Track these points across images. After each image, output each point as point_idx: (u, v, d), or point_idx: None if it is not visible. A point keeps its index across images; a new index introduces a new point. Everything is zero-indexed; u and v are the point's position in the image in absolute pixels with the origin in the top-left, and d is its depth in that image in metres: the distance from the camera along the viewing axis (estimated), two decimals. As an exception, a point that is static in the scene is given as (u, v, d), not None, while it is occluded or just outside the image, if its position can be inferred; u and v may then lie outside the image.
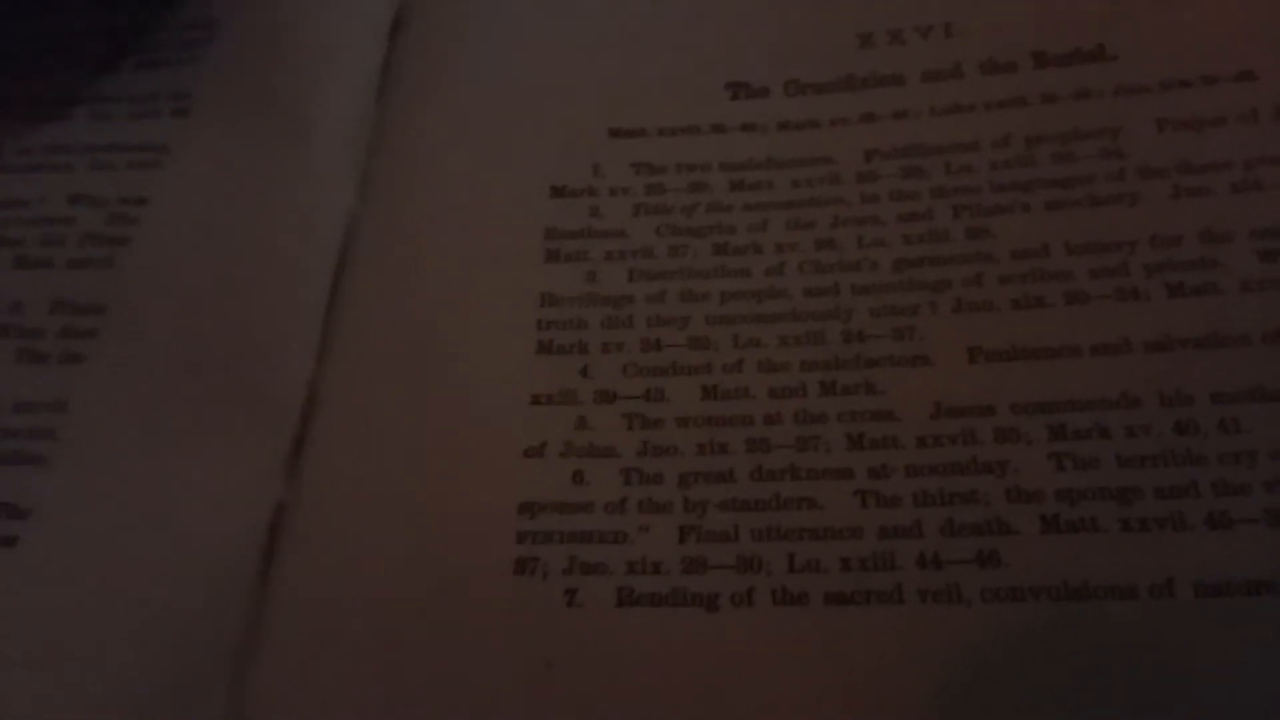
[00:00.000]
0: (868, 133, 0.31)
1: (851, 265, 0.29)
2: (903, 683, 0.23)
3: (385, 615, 0.25)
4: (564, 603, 0.25)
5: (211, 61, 0.36)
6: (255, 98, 0.35)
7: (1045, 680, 0.23)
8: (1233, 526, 0.23)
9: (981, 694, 0.23)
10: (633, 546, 0.25)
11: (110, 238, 0.32)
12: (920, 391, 0.27)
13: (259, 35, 0.36)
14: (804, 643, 0.24)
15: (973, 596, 0.24)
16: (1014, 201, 0.29)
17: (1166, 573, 0.23)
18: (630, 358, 0.28)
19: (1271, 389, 0.25)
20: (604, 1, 0.36)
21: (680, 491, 0.26)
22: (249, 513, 0.27)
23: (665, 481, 0.26)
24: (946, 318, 0.28)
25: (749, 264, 0.29)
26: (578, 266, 0.30)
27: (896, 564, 0.24)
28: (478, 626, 0.25)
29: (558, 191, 0.32)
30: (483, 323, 0.30)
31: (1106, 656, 0.23)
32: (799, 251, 0.29)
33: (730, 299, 0.29)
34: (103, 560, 0.27)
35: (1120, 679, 0.22)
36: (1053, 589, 0.23)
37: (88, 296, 0.31)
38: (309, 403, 0.29)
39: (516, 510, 0.26)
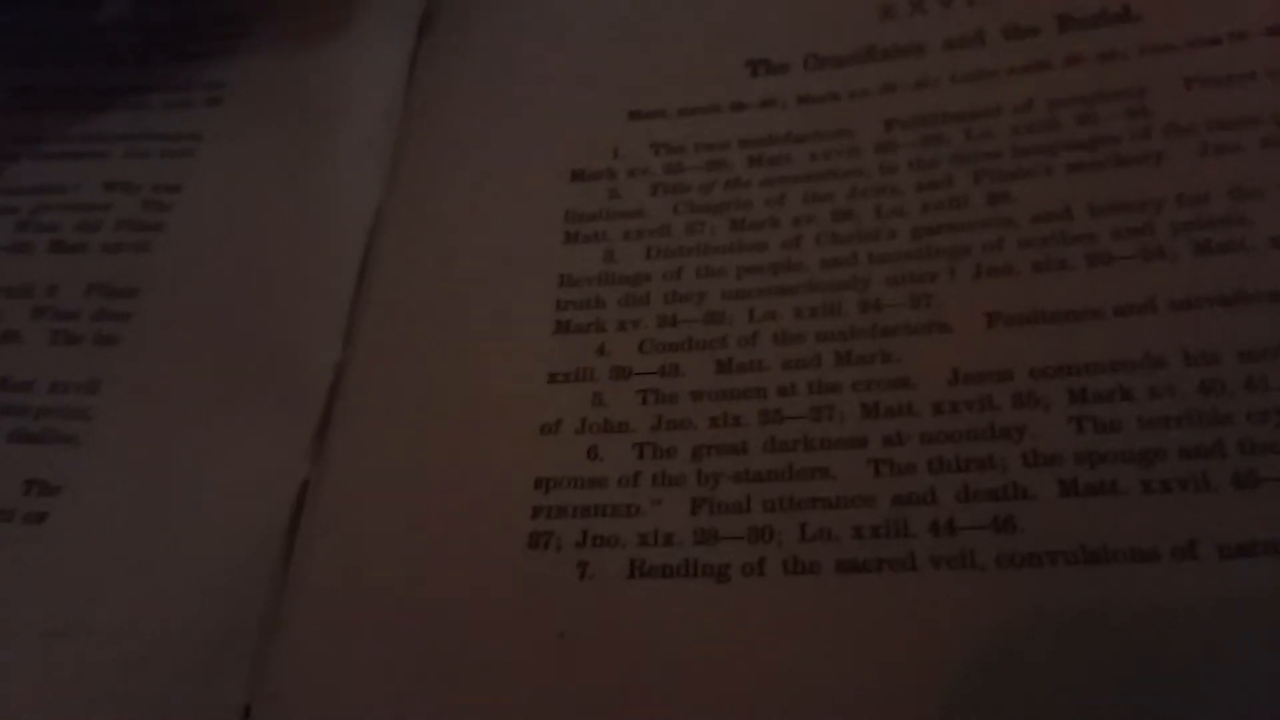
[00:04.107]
0: (888, 103, 0.31)
1: (869, 235, 0.29)
2: (915, 649, 0.23)
3: (404, 588, 0.26)
4: (576, 575, 0.25)
5: (244, 53, 0.37)
6: (287, 89, 0.36)
7: (1062, 646, 0.22)
8: (1259, 485, 0.23)
9: (997, 660, 0.22)
10: (645, 519, 0.25)
11: (145, 223, 0.33)
12: (937, 358, 0.26)
13: (292, 29, 0.37)
14: (815, 611, 0.24)
15: (987, 563, 0.23)
16: (1035, 165, 0.28)
17: (1189, 534, 0.22)
18: (646, 334, 0.28)
19: (1301, 345, 0.24)
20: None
21: (693, 464, 0.26)
22: (274, 491, 0.28)
23: (678, 455, 0.26)
24: (965, 284, 0.27)
25: (766, 238, 0.29)
26: (596, 247, 0.30)
27: (910, 531, 0.24)
28: (493, 598, 0.25)
29: (578, 175, 0.32)
30: (503, 305, 0.30)
31: (1125, 621, 0.22)
32: (816, 223, 0.29)
33: (746, 273, 0.29)
34: (130, 537, 0.27)
35: (1140, 644, 0.22)
36: (1070, 553, 0.23)
37: (122, 280, 0.32)
38: (334, 384, 0.29)
39: (532, 486, 0.26)
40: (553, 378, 0.28)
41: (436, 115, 0.35)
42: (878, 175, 0.30)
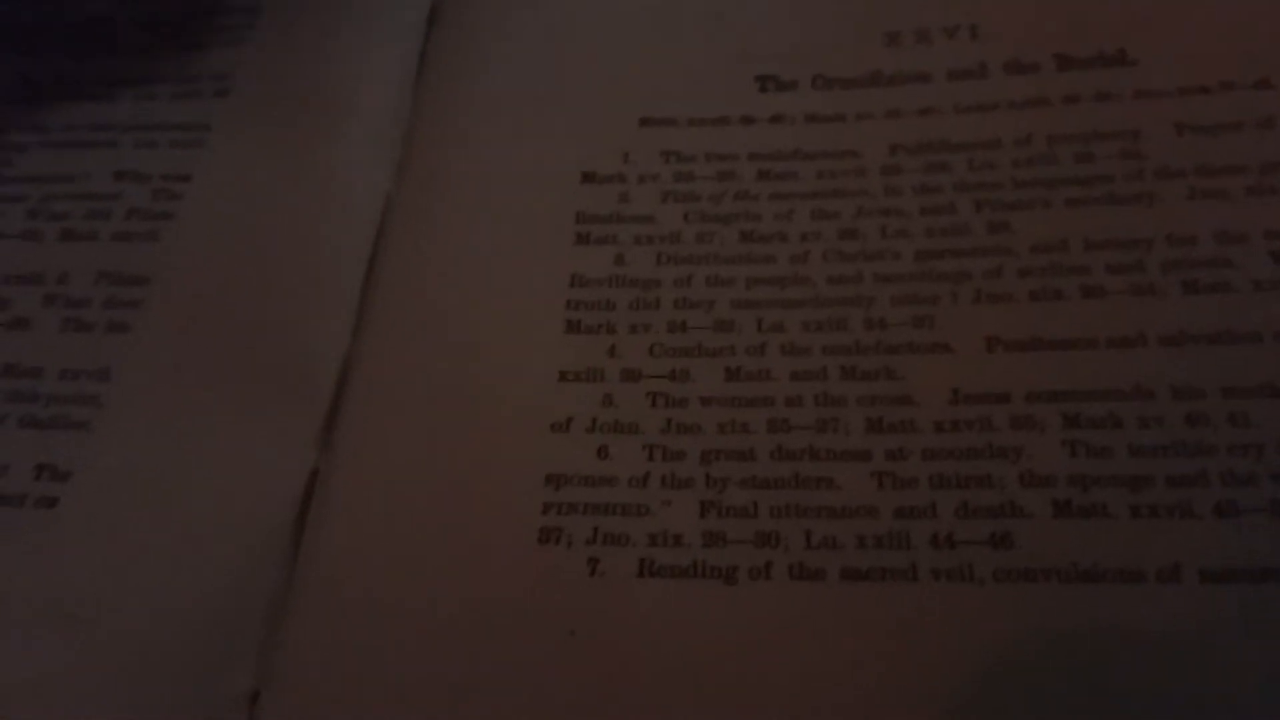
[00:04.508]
0: (893, 128, 0.32)
1: (874, 255, 0.30)
2: (915, 657, 0.24)
3: (413, 581, 0.26)
4: (586, 572, 0.25)
5: (253, 45, 0.37)
6: (295, 81, 0.36)
7: (1055, 659, 0.23)
8: (1240, 515, 0.24)
9: (993, 670, 0.23)
10: (654, 520, 0.26)
11: (154, 212, 0.33)
12: (939, 378, 0.27)
13: (300, 20, 0.37)
14: (819, 616, 0.24)
15: (985, 576, 0.24)
16: (1034, 198, 0.30)
17: (1173, 558, 0.24)
18: (656, 338, 0.29)
19: (1281, 385, 0.26)
20: (636, -6, 0.37)
21: (702, 468, 0.27)
22: (283, 480, 0.28)
23: (687, 458, 0.27)
24: (966, 307, 0.28)
25: (774, 251, 0.30)
26: (607, 249, 0.31)
27: (911, 543, 0.25)
28: (503, 593, 0.25)
29: (588, 177, 0.33)
30: (513, 302, 0.30)
31: (1112, 638, 0.23)
32: (823, 240, 0.30)
33: (755, 284, 0.30)
34: (140, 524, 0.27)
35: (1127, 658, 0.23)
36: (1063, 571, 0.24)
37: (132, 268, 0.32)
38: (343, 375, 0.30)
39: (543, 482, 0.27)
40: (563, 376, 0.29)
41: (445, 108, 0.35)
42: (883, 197, 0.31)
